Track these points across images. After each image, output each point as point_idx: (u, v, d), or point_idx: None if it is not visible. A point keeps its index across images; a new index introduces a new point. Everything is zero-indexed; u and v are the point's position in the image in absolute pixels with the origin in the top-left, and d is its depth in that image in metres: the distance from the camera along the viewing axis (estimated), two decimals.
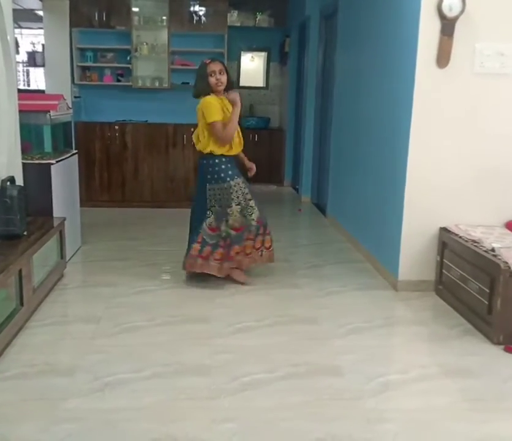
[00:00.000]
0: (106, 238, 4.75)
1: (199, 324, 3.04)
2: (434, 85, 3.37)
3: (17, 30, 10.13)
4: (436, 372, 2.58)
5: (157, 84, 6.31)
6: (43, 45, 6.09)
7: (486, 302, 2.94)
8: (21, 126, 3.46)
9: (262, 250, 3.63)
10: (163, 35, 6.22)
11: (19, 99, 3.41)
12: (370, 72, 4.33)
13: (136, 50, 6.18)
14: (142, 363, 2.55)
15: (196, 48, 6.27)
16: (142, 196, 6.09)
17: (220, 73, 3.40)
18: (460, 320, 3.17)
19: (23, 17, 8.78)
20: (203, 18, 6.28)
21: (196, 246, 3.47)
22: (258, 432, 2.08)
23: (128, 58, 6.24)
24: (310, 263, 4.23)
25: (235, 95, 3.45)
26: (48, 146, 3.90)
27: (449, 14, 3.24)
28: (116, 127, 5.99)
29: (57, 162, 3.81)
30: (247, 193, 3.49)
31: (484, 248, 3.06)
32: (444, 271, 3.46)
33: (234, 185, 3.45)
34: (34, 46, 10.67)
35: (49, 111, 3.81)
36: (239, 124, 3.48)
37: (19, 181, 3.36)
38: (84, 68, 6.28)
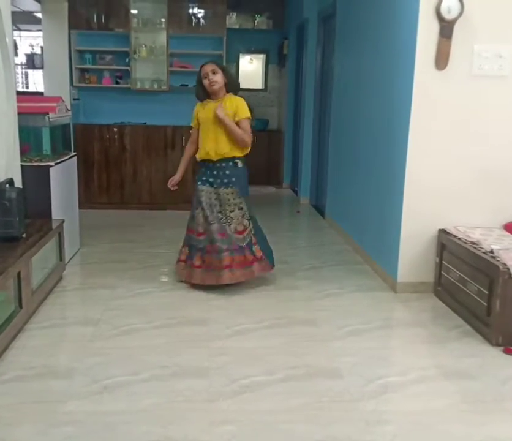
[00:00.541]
0: (104, 240, 4.75)
1: (197, 327, 3.03)
2: (433, 87, 3.37)
3: (16, 33, 10.13)
4: (435, 373, 2.58)
5: (155, 86, 6.31)
6: (41, 47, 6.09)
7: (485, 303, 2.94)
8: (20, 128, 3.46)
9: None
10: (162, 37, 6.22)
11: (18, 101, 3.41)
12: (368, 74, 4.33)
13: (134, 52, 6.18)
14: (140, 365, 2.55)
15: (195, 50, 6.28)
16: (140, 198, 6.08)
17: (212, 73, 3.37)
18: (459, 322, 3.17)
19: (22, 19, 8.79)
20: (202, 20, 6.28)
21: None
22: (257, 435, 2.07)
23: (126, 60, 6.24)
24: (309, 265, 4.23)
25: (218, 110, 3.39)
26: (46, 148, 3.89)
27: (448, 16, 3.24)
28: (115, 129, 5.99)
29: (56, 164, 3.81)
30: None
31: (483, 250, 3.06)
32: (443, 272, 3.47)
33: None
34: (33, 49, 10.68)
35: (48, 113, 3.80)
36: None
37: (18, 183, 3.36)
38: (82, 71, 6.28)
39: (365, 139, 4.41)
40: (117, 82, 6.35)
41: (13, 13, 3.41)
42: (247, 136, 3.45)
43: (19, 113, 3.42)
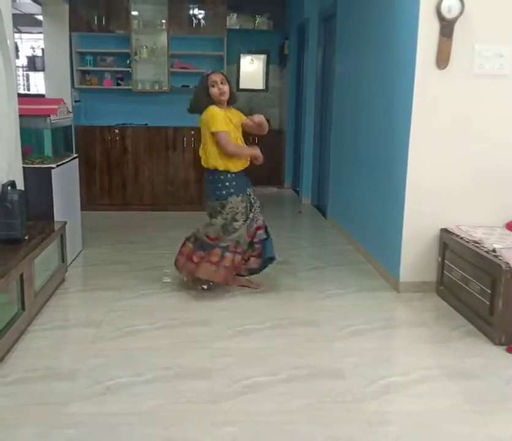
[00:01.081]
0: (106, 242, 4.75)
1: (200, 328, 3.03)
2: (434, 86, 3.37)
3: (17, 35, 10.16)
4: (438, 373, 2.58)
5: (156, 87, 6.31)
6: (42, 50, 6.09)
7: (488, 303, 2.93)
8: (22, 130, 3.46)
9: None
10: (163, 39, 6.23)
11: (19, 104, 3.41)
12: (369, 74, 4.33)
13: (135, 54, 6.19)
14: (143, 367, 2.55)
15: (196, 51, 6.29)
16: (142, 200, 6.09)
17: (221, 83, 3.33)
18: (462, 321, 3.16)
19: (23, 22, 8.81)
20: (202, 21, 6.28)
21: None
22: (260, 436, 2.07)
23: (127, 62, 6.25)
24: (311, 265, 4.23)
25: (262, 119, 3.38)
26: (48, 150, 3.90)
27: (448, 15, 3.24)
28: (116, 131, 6.00)
29: (57, 166, 3.82)
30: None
31: (485, 249, 3.05)
32: (445, 272, 3.46)
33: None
34: (34, 51, 10.70)
35: (49, 116, 3.81)
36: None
37: (20, 186, 3.36)
38: (84, 72, 6.30)
39: (366, 139, 4.40)
40: (118, 84, 6.36)
41: (14, 15, 3.42)
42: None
43: (20, 115, 3.42)
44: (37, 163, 3.75)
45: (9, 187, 3.09)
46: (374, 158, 4.18)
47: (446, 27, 3.27)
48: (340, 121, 5.27)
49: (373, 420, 2.17)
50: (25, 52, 10.68)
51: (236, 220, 3.38)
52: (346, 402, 2.30)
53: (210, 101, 3.34)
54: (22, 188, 3.38)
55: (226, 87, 3.36)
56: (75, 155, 4.43)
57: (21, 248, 2.97)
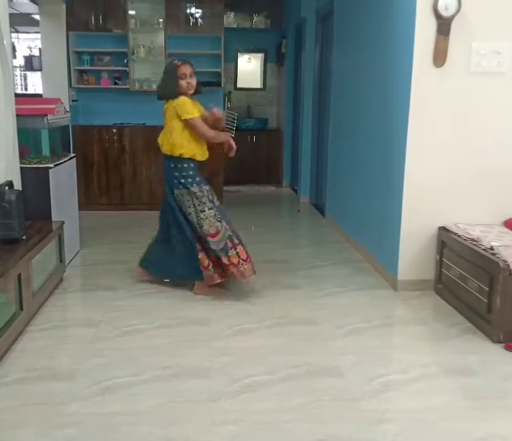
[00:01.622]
0: (105, 241, 4.75)
1: (198, 327, 3.03)
2: (431, 84, 3.37)
3: (14, 35, 10.13)
4: (437, 371, 2.58)
5: (154, 86, 6.29)
6: (40, 49, 6.11)
7: (486, 300, 2.94)
8: (19, 130, 3.46)
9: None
10: (160, 38, 6.22)
11: (16, 103, 3.41)
12: (367, 72, 4.33)
13: (133, 53, 6.18)
14: (142, 366, 2.55)
15: (193, 50, 6.27)
16: (140, 199, 6.08)
17: (190, 77, 3.35)
18: (460, 319, 3.17)
19: (20, 21, 8.78)
20: (199, 20, 6.28)
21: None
22: (259, 435, 2.08)
23: (125, 61, 6.23)
24: (310, 264, 4.23)
25: (223, 115, 3.45)
26: (45, 150, 3.89)
27: (445, 13, 3.24)
28: (114, 130, 5.99)
29: (55, 165, 3.81)
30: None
31: (483, 247, 3.06)
32: (443, 270, 3.47)
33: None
34: (31, 51, 10.67)
35: (46, 115, 3.80)
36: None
37: (18, 186, 3.36)
38: (81, 72, 6.28)
39: (364, 137, 4.41)
40: (115, 83, 6.34)
41: (11, 15, 3.42)
42: None
43: (18, 115, 3.42)
44: (35, 163, 3.74)
45: (7, 187, 3.09)
46: (372, 157, 4.18)
47: (443, 25, 3.27)
48: (338, 119, 5.27)
49: (372, 418, 2.18)
50: (22, 52, 10.65)
51: (203, 211, 3.39)
52: (345, 400, 2.31)
53: (178, 91, 3.35)
54: (20, 189, 3.37)
55: (194, 82, 3.39)
56: (73, 154, 4.43)
57: (19, 249, 2.97)
